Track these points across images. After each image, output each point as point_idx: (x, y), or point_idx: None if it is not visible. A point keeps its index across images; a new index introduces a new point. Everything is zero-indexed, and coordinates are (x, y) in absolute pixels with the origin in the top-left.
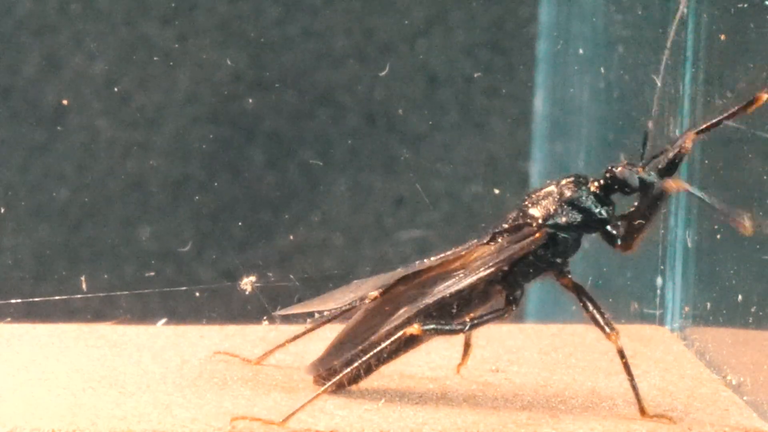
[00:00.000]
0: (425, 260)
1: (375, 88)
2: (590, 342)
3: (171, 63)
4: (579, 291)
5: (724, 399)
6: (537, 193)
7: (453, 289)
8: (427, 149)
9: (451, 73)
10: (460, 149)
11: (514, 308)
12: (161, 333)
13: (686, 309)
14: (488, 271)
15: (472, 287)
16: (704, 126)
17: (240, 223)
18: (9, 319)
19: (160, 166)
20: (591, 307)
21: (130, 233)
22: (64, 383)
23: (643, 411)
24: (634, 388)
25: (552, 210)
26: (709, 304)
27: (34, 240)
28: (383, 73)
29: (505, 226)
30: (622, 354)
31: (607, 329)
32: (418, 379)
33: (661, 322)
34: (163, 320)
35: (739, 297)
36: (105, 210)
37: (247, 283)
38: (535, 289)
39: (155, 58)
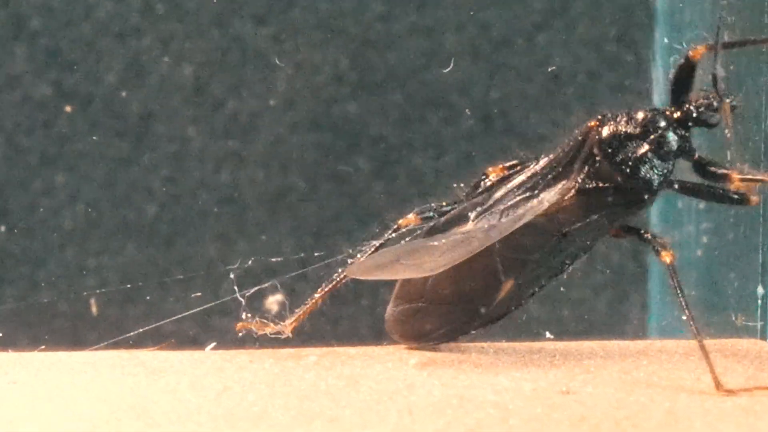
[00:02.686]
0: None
1: (491, 88)
2: (678, 359)
3: (266, 65)
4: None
5: None
6: (626, 148)
7: (560, 257)
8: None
9: (574, 69)
10: None
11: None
12: (207, 358)
13: None
14: (595, 239)
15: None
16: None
17: (346, 238)
18: (43, 347)
19: (256, 177)
20: (642, 231)
21: (225, 251)
22: (85, 414)
23: (717, 385)
24: (691, 320)
25: (658, 175)
26: None
27: (119, 260)
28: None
29: (596, 184)
30: (673, 270)
31: (660, 248)
32: (478, 403)
33: (763, 335)
34: (212, 344)
35: None
36: (197, 226)
37: (273, 302)
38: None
39: (249, 61)
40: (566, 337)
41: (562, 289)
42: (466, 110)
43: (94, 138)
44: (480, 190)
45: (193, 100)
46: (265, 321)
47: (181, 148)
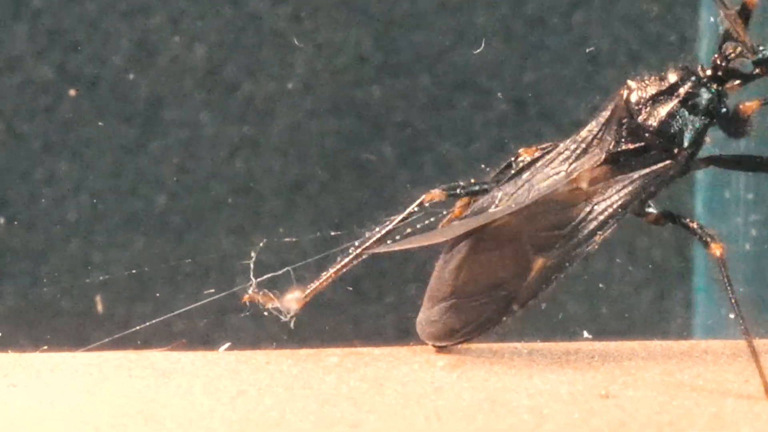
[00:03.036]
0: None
1: (524, 70)
2: (725, 361)
3: (284, 46)
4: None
5: None
6: (654, 105)
7: (590, 227)
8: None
9: (614, 50)
10: None
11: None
12: (221, 360)
13: None
14: (626, 206)
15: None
16: None
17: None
18: (45, 347)
19: (273, 165)
20: (688, 221)
21: (240, 244)
22: (90, 419)
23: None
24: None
25: (689, 131)
26: None
27: (127, 254)
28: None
29: (625, 146)
30: (723, 264)
31: (709, 239)
32: (511, 408)
33: None
34: (227, 345)
35: None
36: (210, 218)
37: (291, 300)
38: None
39: (265, 41)
40: (605, 336)
41: (600, 285)
42: (498, 94)
43: (100, 124)
44: (509, 173)
45: (205, 83)
46: (273, 294)
47: (192, 135)
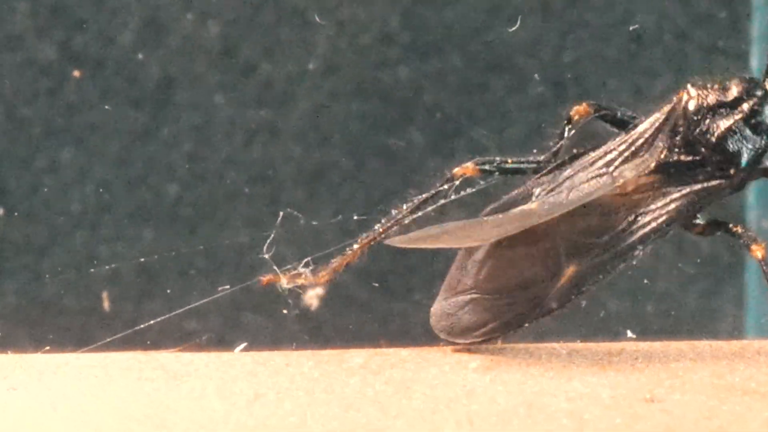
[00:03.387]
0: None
1: (561, 49)
2: None
3: (304, 24)
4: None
5: None
6: (714, 118)
7: (631, 240)
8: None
9: (659, 28)
10: None
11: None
12: (237, 361)
13: None
14: (671, 222)
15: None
16: None
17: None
18: (47, 347)
19: (293, 152)
20: (731, 226)
21: (257, 237)
22: (95, 424)
23: None
24: None
25: (748, 151)
26: None
27: (136, 248)
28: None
29: (678, 157)
30: (767, 265)
31: (750, 241)
32: (549, 413)
33: None
34: (243, 345)
35: None
36: (224, 209)
37: (312, 297)
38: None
39: (284, 19)
40: (650, 336)
41: (645, 281)
42: (535, 75)
43: (106, 107)
44: (546, 168)
45: (220, 64)
46: (296, 272)
47: (206, 119)
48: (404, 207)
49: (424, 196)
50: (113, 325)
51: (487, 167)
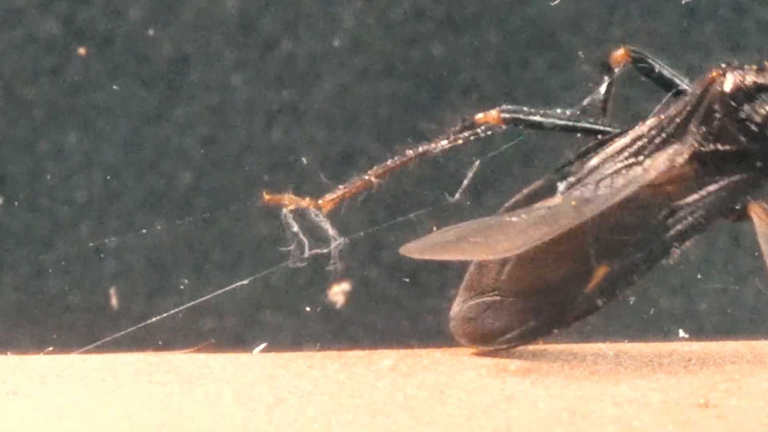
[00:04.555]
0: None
1: (608, 25)
2: None
3: None
4: None
5: None
6: (755, 103)
7: (666, 237)
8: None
9: (714, 1)
10: None
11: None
12: (256, 363)
13: None
14: (711, 218)
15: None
16: None
17: (430, 210)
18: (51, 348)
19: (317, 136)
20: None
21: (278, 228)
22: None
23: None
24: None
25: None
26: None
27: (146, 240)
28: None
29: (714, 147)
30: None
31: None
32: (594, 419)
33: None
34: (262, 345)
35: None
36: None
37: (338, 293)
38: None
39: None
40: (705, 336)
41: (698, 276)
42: (579, 53)
43: (115, 87)
44: (570, 159)
45: (237, 40)
46: (298, 198)
47: (222, 100)
48: (420, 149)
49: (443, 141)
50: (122, 324)
51: (511, 116)
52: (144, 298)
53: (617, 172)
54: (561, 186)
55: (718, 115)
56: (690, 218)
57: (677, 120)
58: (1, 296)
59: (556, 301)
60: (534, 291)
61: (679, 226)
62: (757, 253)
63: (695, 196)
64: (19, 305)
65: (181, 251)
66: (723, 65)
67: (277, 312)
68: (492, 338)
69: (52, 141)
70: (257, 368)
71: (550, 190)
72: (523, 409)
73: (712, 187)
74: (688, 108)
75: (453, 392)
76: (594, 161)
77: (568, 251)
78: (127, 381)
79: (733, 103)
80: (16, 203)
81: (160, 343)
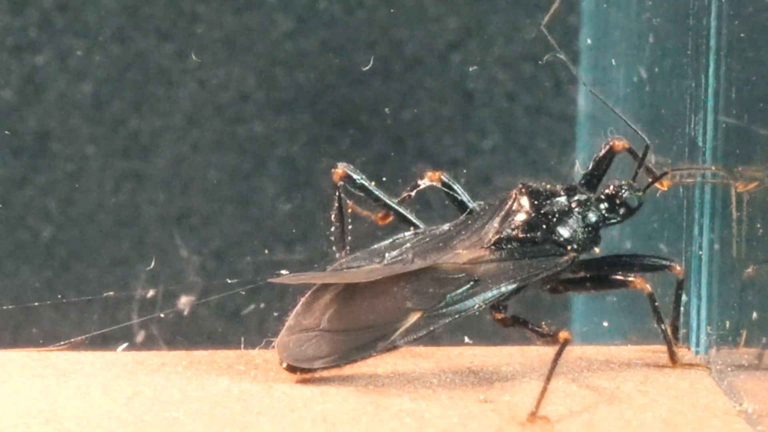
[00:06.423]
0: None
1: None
2: (598, 366)
3: (168, 82)
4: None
5: None
6: (549, 206)
7: (473, 298)
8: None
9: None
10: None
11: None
12: (119, 360)
13: (708, 329)
14: (510, 289)
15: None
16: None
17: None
18: None
19: (157, 197)
20: (605, 269)
21: (126, 274)
22: None
23: (673, 360)
24: (665, 334)
25: (580, 235)
26: (728, 323)
27: (13, 284)
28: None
29: (515, 234)
30: (651, 298)
31: (631, 277)
32: (394, 411)
33: (687, 342)
34: (124, 345)
35: (755, 314)
36: (95, 249)
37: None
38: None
39: (151, 77)
40: (485, 341)
41: None
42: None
43: None
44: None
45: (92, 118)
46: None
47: (79, 168)
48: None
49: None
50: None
51: (353, 178)
52: (10, 332)
53: (430, 251)
54: (387, 254)
55: (515, 219)
56: (494, 288)
57: (481, 221)
58: None
59: (374, 337)
60: (354, 329)
61: (483, 293)
62: None
63: (496, 272)
64: None
65: (43, 294)
66: (520, 184)
67: (138, 317)
68: (315, 360)
69: None
70: (120, 364)
71: (375, 256)
72: (336, 402)
73: (509, 265)
74: (491, 213)
75: (279, 387)
76: (411, 242)
77: (385, 300)
78: (14, 374)
79: (534, 201)
80: None
81: (40, 342)
